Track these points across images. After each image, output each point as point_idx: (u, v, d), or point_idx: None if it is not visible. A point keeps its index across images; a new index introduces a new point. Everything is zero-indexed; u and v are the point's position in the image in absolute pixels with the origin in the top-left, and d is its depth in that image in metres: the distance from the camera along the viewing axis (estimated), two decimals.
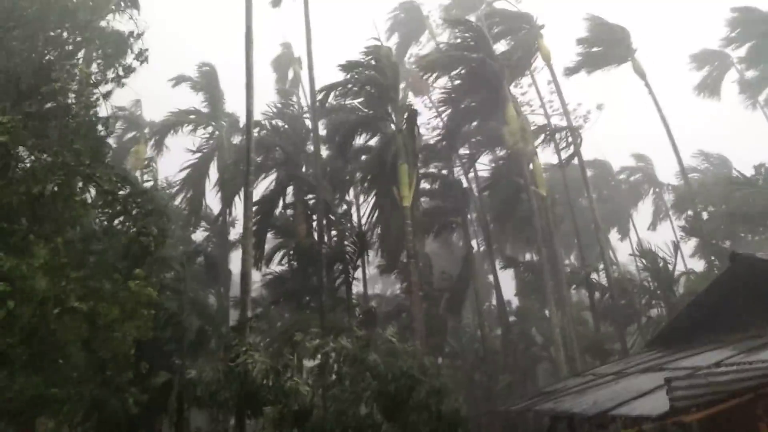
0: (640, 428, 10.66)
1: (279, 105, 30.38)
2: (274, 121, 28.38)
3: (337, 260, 24.57)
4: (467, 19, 31.24)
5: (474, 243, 33.99)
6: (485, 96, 26.20)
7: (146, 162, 31.52)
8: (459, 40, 27.51)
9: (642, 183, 42.74)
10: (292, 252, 26.31)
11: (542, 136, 27.75)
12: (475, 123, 29.37)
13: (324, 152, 28.24)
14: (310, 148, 28.15)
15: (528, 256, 35.97)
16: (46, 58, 13.23)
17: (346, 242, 24.33)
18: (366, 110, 25.10)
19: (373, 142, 27.36)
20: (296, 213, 26.67)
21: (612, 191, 42.00)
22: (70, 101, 12.51)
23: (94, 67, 14.67)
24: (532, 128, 27.39)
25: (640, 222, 42.18)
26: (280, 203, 27.60)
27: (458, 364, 29.18)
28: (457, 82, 28.08)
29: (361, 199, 29.51)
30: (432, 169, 30.83)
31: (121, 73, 13.98)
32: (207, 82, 31.14)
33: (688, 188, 28.99)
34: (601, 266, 26.56)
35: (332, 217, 26.92)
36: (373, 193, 24.79)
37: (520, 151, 23.90)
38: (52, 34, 13.60)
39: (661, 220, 40.99)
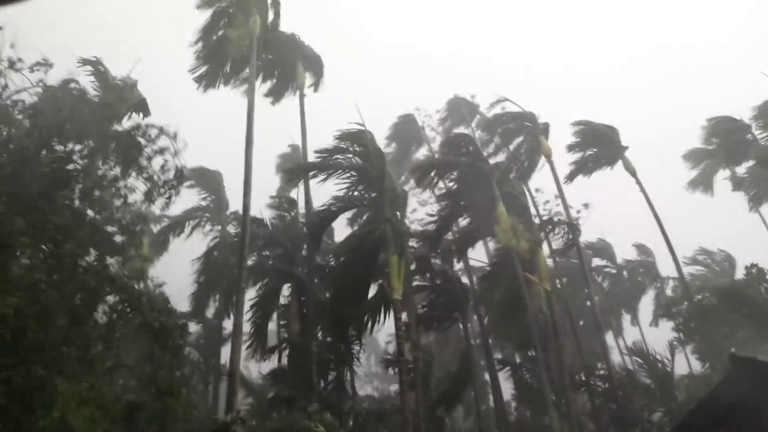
0: None
1: (278, 202, 31.14)
2: (273, 218, 28.86)
3: (331, 360, 23.99)
4: (460, 132, 33.75)
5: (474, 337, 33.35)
6: (478, 195, 26.81)
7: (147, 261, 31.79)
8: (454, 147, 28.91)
9: (643, 275, 42.33)
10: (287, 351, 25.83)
11: (544, 231, 28.04)
12: (468, 220, 29.86)
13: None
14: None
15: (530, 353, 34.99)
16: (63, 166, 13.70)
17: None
18: (353, 200, 24.64)
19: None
20: (290, 312, 26.41)
21: (613, 279, 41.35)
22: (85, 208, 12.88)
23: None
24: (537, 222, 27.78)
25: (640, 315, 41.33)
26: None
27: None
28: (452, 183, 29.17)
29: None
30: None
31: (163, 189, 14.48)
32: (212, 184, 32.50)
33: (684, 288, 28.68)
34: (601, 365, 25.80)
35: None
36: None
37: (512, 248, 23.99)
38: (68, 146, 14.16)
39: (662, 317, 40.32)
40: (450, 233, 30.09)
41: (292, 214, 29.56)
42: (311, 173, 24.66)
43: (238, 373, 20.29)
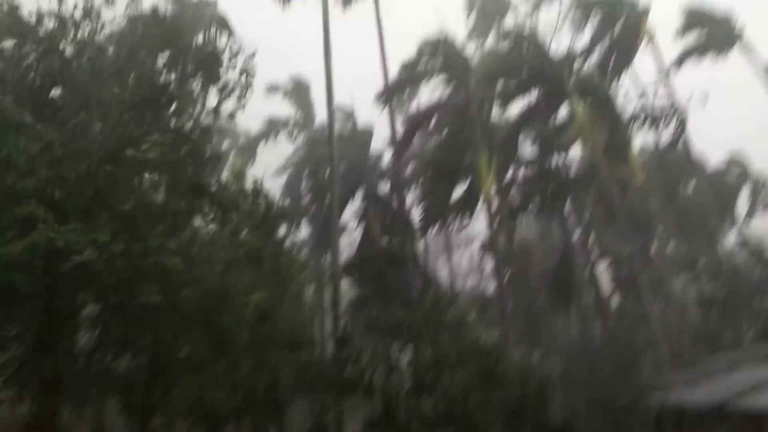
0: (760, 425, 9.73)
1: None
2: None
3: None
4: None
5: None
6: (547, 90, 24.79)
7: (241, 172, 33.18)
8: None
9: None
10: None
11: (640, 120, 26.27)
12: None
13: None
14: None
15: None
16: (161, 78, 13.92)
17: None
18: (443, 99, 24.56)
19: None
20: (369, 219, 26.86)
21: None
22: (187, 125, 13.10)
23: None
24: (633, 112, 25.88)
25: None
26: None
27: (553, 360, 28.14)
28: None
29: None
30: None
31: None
32: (299, 92, 32.54)
33: None
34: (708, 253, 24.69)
35: None
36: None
37: (593, 142, 22.81)
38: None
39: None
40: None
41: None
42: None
43: (340, 273, 21.38)
